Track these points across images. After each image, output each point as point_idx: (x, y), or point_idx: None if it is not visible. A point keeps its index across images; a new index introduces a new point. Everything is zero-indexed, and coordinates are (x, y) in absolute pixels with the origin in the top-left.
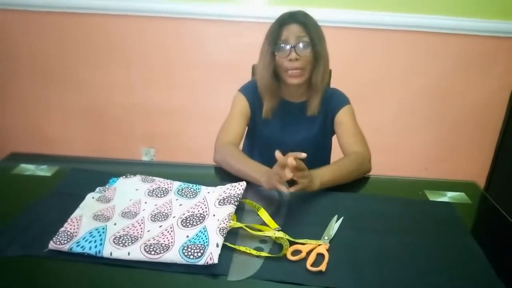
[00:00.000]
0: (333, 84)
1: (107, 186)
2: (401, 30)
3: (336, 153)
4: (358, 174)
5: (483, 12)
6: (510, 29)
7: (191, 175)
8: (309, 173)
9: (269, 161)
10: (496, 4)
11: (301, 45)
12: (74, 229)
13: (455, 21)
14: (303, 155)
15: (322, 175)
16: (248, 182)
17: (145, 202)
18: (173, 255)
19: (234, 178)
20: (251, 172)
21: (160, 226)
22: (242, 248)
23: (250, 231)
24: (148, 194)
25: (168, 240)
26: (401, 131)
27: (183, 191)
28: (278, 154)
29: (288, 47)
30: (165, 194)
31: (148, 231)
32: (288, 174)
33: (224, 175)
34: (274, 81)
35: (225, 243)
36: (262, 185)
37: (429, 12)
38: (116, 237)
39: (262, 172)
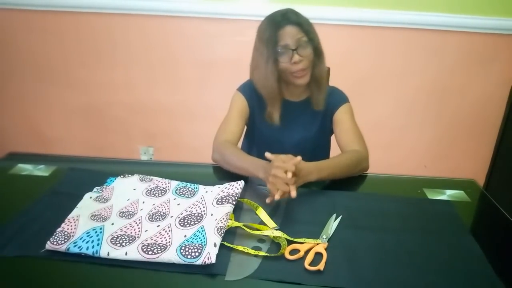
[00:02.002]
0: (332, 82)
1: (104, 186)
2: (400, 27)
3: (335, 152)
4: (355, 171)
5: (482, 9)
6: (509, 26)
7: (190, 174)
8: (298, 178)
9: (268, 161)
10: (495, 1)
11: (301, 46)
12: (71, 229)
13: (454, 19)
14: (299, 158)
15: (320, 169)
16: (246, 181)
17: (143, 202)
18: (170, 255)
19: (233, 177)
20: (249, 167)
21: (158, 226)
22: (240, 248)
23: (248, 230)
24: (146, 194)
25: (166, 240)
26: (400, 129)
27: (181, 191)
28: (269, 155)
29: (289, 51)
30: (163, 193)
31: (146, 231)
32: (289, 176)
33: (222, 174)
34: (278, 86)
35: (223, 242)
36: (260, 179)
37: (428, 10)
38: (114, 237)
39: (260, 166)
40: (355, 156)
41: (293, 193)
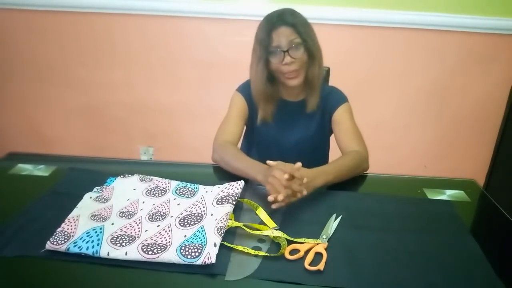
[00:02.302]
0: (332, 82)
1: (104, 186)
2: (401, 27)
3: (334, 152)
4: (356, 173)
5: (482, 9)
6: (509, 26)
7: (190, 174)
8: (305, 185)
9: (267, 160)
10: (495, 1)
11: (294, 47)
12: (71, 229)
13: (454, 19)
14: (298, 164)
15: (326, 173)
16: (246, 181)
17: (143, 202)
18: (170, 255)
19: (233, 177)
20: (248, 170)
21: (158, 226)
22: (240, 248)
23: (248, 230)
24: (146, 194)
25: (166, 240)
26: (400, 129)
27: (181, 191)
28: (271, 162)
29: (281, 52)
30: (163, 193)
31: (146, 231)
32: (286, 177)
33: (222, 174)
34: (268, 87)
35: (223, 242)
36: (259, 182)
37: (429, 10)
38: (114, 237)
39: (259, 169)
40: (357, 158)
41: (280, 197)
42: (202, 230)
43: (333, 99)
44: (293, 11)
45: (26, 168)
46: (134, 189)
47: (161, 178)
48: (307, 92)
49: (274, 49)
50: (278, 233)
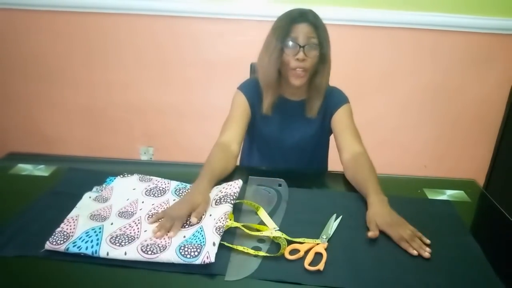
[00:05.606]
0: (332, 82)
1: (104, 186)
2: (401, 27)
3: (334, 152)
4: None
5: (482, 9)
6: (509, 26)
7: (190, 174)
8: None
9: (268, 159)
10: (496, 2)
11: (310, 46)
12: (70, 229)
13: (454, 19)
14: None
15: (382, 199)
16: (245, 181)
17: (142, 202)
18: (169, 255)
19: (231, 178)
20: (199, 180)
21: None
22: (239, 248)
23: (247, 231)
24: (145, 194)
25: (165, 240)
26: (400, 129)
27: (181, 191)
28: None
29: (297, 46)
30: (162, 193)
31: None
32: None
33: None
34: (277, 77)
35: (223, 242)
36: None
37: (430, 10)
38: (113, 237)
39: (201, 190)
40: (367, 161)
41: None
42: (201, 231)
43: (334, 99)
44: (316, 14)
45: (26, 168)
46: (134, 189)
47: (160, 178)
48: (312, 97)
49: (290, 40)
50: (278, 233)
